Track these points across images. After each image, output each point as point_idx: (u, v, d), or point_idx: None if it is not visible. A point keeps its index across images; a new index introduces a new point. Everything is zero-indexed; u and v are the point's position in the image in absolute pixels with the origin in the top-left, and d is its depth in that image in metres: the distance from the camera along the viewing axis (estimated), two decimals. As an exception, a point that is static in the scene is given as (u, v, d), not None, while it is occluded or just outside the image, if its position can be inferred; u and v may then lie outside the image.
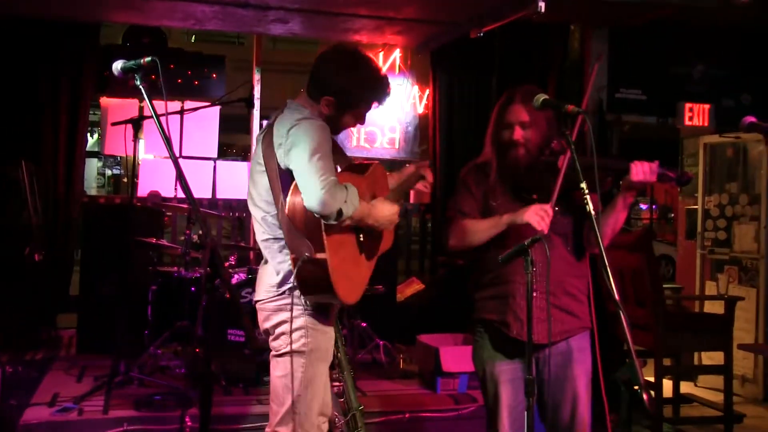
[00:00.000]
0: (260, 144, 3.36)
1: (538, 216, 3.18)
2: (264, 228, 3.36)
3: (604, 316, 3.81)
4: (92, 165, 21.55)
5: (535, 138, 3.42)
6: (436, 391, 5.89)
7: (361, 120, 3.52)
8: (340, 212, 3.05)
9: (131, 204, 5.93)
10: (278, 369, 3.35)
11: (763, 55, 7.79)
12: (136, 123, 5.52)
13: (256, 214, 3.40)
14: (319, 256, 3.13)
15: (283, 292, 3.30)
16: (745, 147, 8.15)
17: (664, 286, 7.79)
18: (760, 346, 7.12)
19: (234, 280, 5.70)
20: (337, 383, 4.54)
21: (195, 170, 8.11)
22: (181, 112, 7.08)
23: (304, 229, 3.15)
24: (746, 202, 7.92)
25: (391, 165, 9.84)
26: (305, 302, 3.30)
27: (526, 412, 3.01)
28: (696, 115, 7.72)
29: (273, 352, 3.40)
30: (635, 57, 7.64)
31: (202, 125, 7.99)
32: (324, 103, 3.37)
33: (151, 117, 2.77)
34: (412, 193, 9.19)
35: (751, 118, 3.16)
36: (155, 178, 7.79)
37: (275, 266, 3.34)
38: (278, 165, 3.24)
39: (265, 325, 3.42)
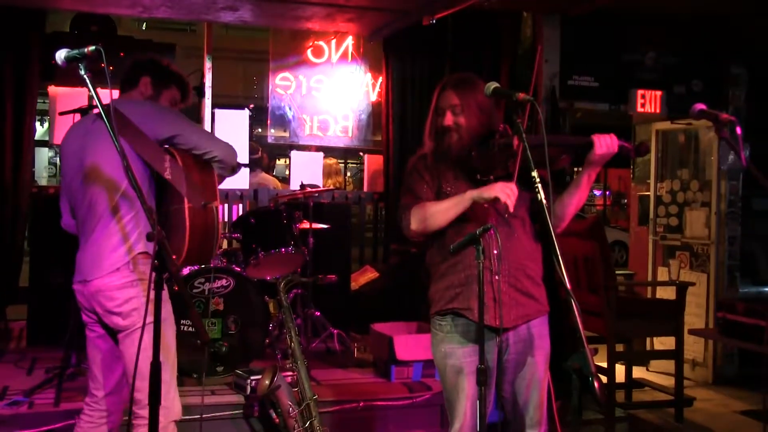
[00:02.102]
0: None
1: (504, 192, 3.16)
2: (114, 200, 3.45)
3: (556, 303, 3.82)
4: (43, 154, 21.22)
5: (467, 123, 3.41)
6: (390, 380, 5.88)
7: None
8: (235, 156, 3.63)
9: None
10: (134, 346, 3.29)
11: (714, 42, 7.86)
12: (85, 112, 5.43)
13: (108, 186, 3.48)
14: (216, 203, 3.47)
15: (127, 264, 3.39)
16: (696, 134, 8.24)
17: (617, 272, 7.89)
18: (709, 331, 7.23)
19: (185, 272, 5.63)
20: (290, 373, 4.53)
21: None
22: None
23: (200, 180, 3.49)
24: (697, 188, 8.02)
25: (345, 153, 9.84)
26: (150, 275, 3.32)
27: (478, 402, 3.01)
28: (648, 101, 7.77)
29: (124, 332, 3.46)
30: (587, 44, 7.66)
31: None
32: (142, 83, 3.77)
33: (108, 106, 2.72)
34: (365, 181, 9.17)
35: (701, 105, 3.18)
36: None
37: (120, 238, 3.41)
38: (152, 138, 3.48)
39: (107, 305, 3.45)
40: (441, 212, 3.41)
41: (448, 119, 3.46)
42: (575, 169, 3.54)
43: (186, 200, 3.37)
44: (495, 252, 3.33)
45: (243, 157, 5.99)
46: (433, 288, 3.58)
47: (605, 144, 3.33)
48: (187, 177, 3.40)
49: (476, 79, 3.52)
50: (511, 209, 3.16)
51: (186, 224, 3.37)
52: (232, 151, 3.64)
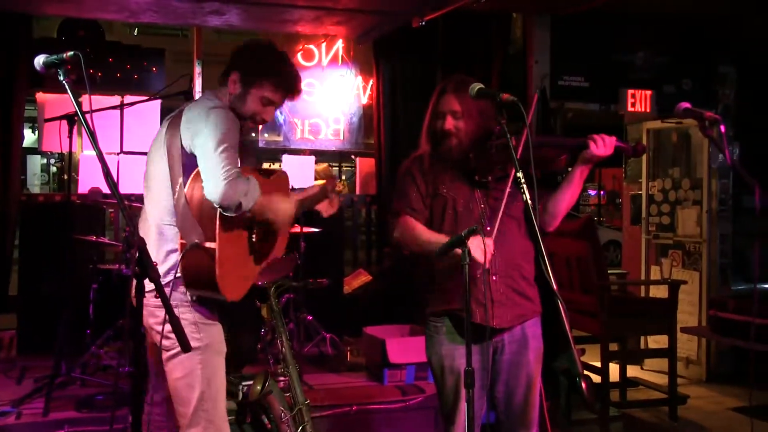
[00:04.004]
0: (165, 128, 3.33)
1: (479, 249, 3.09)
2: (158, 213, 3.29)
3: (552, 303, 3.81)
4: (35, 162, 21.19)
5: (467, 128, 3.41)
6: (383, 383, 5.86)
7: (267, 111, 3.45)
8: (239, 205, 3.03)
9: (69, 201, 5.81)
10: (176, 371, 3.27)
11: (703, 41, 7.87)
12: (72, 119, 5.42)
13: (153, 198, 3.33)
14: (209, 245, 3.10)
15: (168, 284, 3.18)
16: (687, 132, 8.25)
17: (610, 271, 7.87)
18: (701, 329, 7.23)
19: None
20: (282, 378, 4.51)
21: (137, 166, 7.98)
22: (121, 106, 6.96)
23: (199, 216, 3.14)
24: (689, 186, 8.02)
25: (340, 156, 9.81)
26: (190, 297, 3.25)
27: (466, 404, 2.99)
28: (638, 101, 7.78)
29: (166, 354, 3.28)
30: (577, 44, 7.67)
31: (143, 120, 7.83)
32: (231, 81, 3.39)
33: (89, 112, 2.67)
34: (358, 184, 9.15)
35: (685, 104, 3.17)
36: (98, 175, 7.61)
37: (163, 255, 3.25)
38: (182, 148, 3.20)
39: (149, 321, 3.31)
40: (417, 243, 3.44)
41: (449, 123, 3.45)
42: (569, 169, 3.52)
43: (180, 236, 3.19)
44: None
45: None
46: (430, 287, 3.57)
47: (601, 144, 3.34)
48: (183, 209, 3.18)
49: (475, 82, 3.49)
50: (486, 266, 3.12)
51: (178, 260, 3.20)
52: (224, 192, 2.99)
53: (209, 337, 3.32)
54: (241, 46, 3.47)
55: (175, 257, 3.22)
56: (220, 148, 3.04)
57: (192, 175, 3.15)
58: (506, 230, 3.41)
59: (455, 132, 3.45)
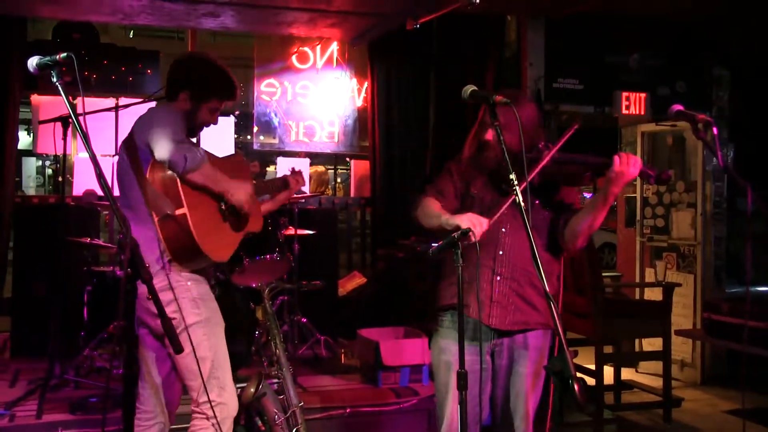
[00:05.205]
0: (125, 142, 3.61)
1: (471, 222, 3.17)
2: (137, 210, 3.49)
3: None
4: (30, 164, 21.14)
5: (508, 141, 3.38)
6: (377, 385, 5.85)
7: (215, 117, 3.78)
8: (185, 159, 3.27)
9: (64, 203, 5.80)
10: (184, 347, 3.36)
11: (697, 44, 7.89)
12: (66, 121, 5.41)
13: (130, 197, 3.54)
14: (179, 211, 3.34)
15: (162, 269, 3.42)
16: (682, 135, 8.26)
17: (605, 274, 7.88)
18: (695, 332, 7.23)
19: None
20: (276, 380, 4.51)
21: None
22: (116, 108, 6.94)
23: (162, 188, 3.39)
24: (683, 189, 8.03)
25: (336, 159, 9.82)
26: (186, 276, 3.50)
27: (459, 405, 2.99)
28: (632, 103, 7.78)
29: None
30: (572, 47, 7.69)
31: (138, 122, 7.84)
32: (181, 100, 3.66)
33: (83, 114, 2.69)
34: (352, 186, 9.15)
35: (678, 106, 3.17)
36: (93, 177, 7.58)
37: (148, 243, 3.41)
38: (138, 145, 3.47)
39: (150, 307, 3.40)
40: (427, 216, 3.52)
41: (489, 134, 3.50)
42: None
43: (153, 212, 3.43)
44: (500, 253, 3.45)
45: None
46: (440, 284, 3.65)
47: (625, 161, 3.26)
48: (147, 185, 3.43)
49: (523, 97, 3.66)
50: (475, 239, 3.14)
51: (160, 235, 3.41)
52: (172, 148, 3.29)
53: (209, 311, 3.58)
54: (181, 63, 3.80)
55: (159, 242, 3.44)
56: (167, 122, 3.38)
57: (150, 162, 3.42)
58: (520, 237, 3.41)
59: (494, 143, 3.47)
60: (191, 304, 3.49)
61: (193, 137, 3.74)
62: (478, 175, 3.60)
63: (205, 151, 3.52)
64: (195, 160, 3.31)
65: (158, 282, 3.37)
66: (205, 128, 3.82)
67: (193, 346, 3.32)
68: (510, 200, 3.23)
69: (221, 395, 3.55)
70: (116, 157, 3.71)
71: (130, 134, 3.57)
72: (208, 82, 3.70)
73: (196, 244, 3.34)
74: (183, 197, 3.36)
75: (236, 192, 3.56)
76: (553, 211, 3.56)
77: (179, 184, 3.35)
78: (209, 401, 3.45)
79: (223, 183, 3.53)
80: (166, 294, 3.36)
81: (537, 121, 3.57)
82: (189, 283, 3.52)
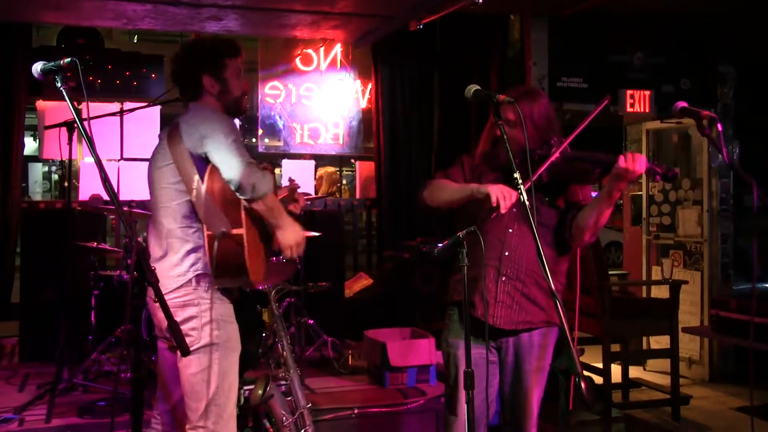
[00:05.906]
0: (165, 140, 3.44)
1: (500, 193, 3.19)
2: (171, 218, 3.40)
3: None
4: (36, 169, 21.20)
5: (519, 137, 3.38)
6: (384, 386, 5.86)
7: (244, 80, 3.64)
8: (254, 186, 3.18)
9: (70, 208, 5.81)
10: (192, 366, 3.35)
11: (702, 41, 7.87)
12: (71, 126, 5.43)
13: (162, 205, 3.44)
14: (236, 231, 3.26)
15: (189, 282, 3.33)
16: (687, 132, 8.25)
17: (611, 272, 7.87)
18: (703, 329, 7.22)
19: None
20: (283, 382, 4.52)
21: (137, 172, 7.98)
22: (121, 113, 6.96)
23: (223, 205, 3.29)
24: (689, 186, 8.02)
25: (339, 160, 9.82)
26: (211, 295, 3.37)
27: (466, 405, 3.00)
28: (637, 101, 7.77)
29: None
30: (575, 46, 7.68)
31: (143, 126, 7.84)
32: (207, 85, 3.52)
33: (87, 119, 2.71)
34: (358, 188, 9.15)
35: (682, 103, 3.17)
36: (99, 181, 7.59)
37: (181, 256, 3.36)
38: (190, 153, 3.32)
39: (161, 324, 3.43)
40: (446, 191, 3.55)
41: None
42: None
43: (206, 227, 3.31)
44: (506, 254, 3.47)
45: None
46: (451, 279, 3.68)
47: (630, 160, 3.27)
48: (206, 202, 3.30)
49: (538, 94, 3.61)
50: (502, 211, 3.16)
51: (207, 250, 3.32)
52: (242, 171, 3.19)
53: (227, 334, 3.44)
54: (177, 59, 3.62)
55: (195, 256, 3.35)
56: (230, 139, 3.24)
57: (208, 171, 3.29)
58: (527, 238, 3.42)
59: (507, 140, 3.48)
60: (212, 325, 3.38)
61: (240, 115, 3.67)
62: (490, 170, 3.61)
63: (271, 173, 3.42)
64: (261, 190, 3.22)
65: (183, 296, 3.33)
66: (245, 100, 3.67)
67: (201, 368, 3.31)
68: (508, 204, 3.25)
69: (217, 424, 3.41)
70: (152, 163, 3.55)
71: (175, 140, 3.39)
72: (210, 52, 3.55)
73: (244, 265, 3.26)
74: (244, 215, 3.29)
75: (287, 233, 3.43)
76: (566, 210, 3.57)
77: (241, 204, 3.28)
78: (204, 427, 3.38)
79: (279, 219, 3.41)
80: (189, 308, 3.32)
81: (550, 114, 3.58)
82: (215, 303, 3.39)
